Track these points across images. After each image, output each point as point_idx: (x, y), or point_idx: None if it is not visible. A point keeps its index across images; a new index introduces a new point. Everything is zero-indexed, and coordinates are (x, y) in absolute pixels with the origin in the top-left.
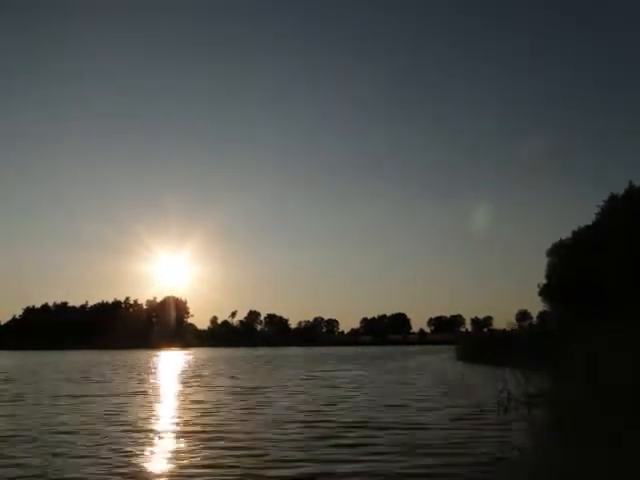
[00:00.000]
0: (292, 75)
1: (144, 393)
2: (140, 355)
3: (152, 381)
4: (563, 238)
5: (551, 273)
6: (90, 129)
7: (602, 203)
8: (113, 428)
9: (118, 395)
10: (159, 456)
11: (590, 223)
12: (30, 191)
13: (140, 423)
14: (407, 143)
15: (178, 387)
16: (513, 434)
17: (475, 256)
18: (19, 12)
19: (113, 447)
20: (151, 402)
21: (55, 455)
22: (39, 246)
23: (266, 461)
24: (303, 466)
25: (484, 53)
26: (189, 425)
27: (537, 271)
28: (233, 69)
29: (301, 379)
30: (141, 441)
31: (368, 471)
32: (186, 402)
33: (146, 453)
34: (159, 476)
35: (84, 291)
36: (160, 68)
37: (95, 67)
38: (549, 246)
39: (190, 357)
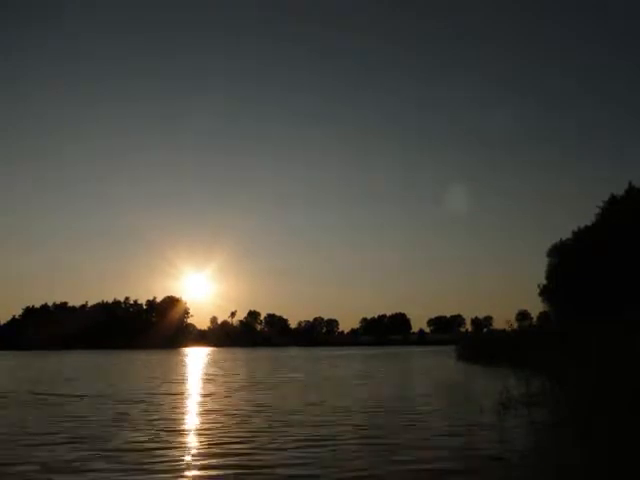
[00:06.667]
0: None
1: None
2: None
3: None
4: (563, 238)
5: (551, 273)
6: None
7: (602, 203)
8: None
9: None
10: None
11: (590, 223)
12: (35, 190)
13: None
14: (409, 143)
15: None
16: (513, 434)
17: (475, 256)
18: None
19: None
20: None
21: None
22: (39, 247)
23: None
24: None
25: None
26: None
27: (537, 271)
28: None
29: None
30: None
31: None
32: None
33: None
34: None
35: (85, 292)
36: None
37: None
38: (549, 246)
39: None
